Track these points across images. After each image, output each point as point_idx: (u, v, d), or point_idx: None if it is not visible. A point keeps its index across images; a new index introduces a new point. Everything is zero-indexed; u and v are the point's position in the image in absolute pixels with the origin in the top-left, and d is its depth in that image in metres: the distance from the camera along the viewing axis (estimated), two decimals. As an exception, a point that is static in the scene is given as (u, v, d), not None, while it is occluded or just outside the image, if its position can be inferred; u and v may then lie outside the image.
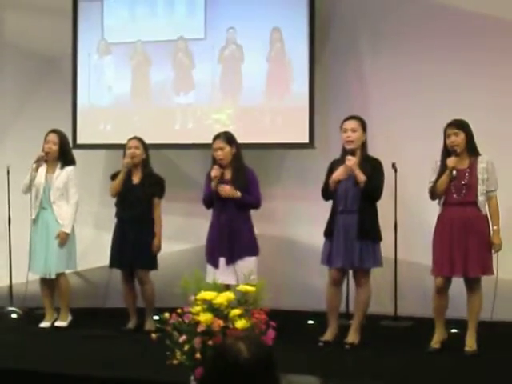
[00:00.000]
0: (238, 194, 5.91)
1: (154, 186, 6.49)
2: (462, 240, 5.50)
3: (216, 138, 6.05)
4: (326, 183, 5.86)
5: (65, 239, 6.53)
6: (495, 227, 5.52)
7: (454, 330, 5.94)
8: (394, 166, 6.44)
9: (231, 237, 5.93)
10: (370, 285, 5.84)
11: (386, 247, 6.46)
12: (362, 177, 5.66)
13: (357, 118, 5.87)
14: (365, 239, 5.71)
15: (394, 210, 6.53)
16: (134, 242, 6.41)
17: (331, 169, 5.89)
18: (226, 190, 5.90)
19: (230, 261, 5.89)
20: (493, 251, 5.54)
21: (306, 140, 6.87)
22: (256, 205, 6.05)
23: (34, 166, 6.56)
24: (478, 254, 5.49)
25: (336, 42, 7.12)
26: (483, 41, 6.55)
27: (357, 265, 5.75)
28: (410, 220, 6.54)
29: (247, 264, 5.81)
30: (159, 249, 6.49)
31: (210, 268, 5.98)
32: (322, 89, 6.95)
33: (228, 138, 6.05)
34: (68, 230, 6.53)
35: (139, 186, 6.48)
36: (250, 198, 5.99)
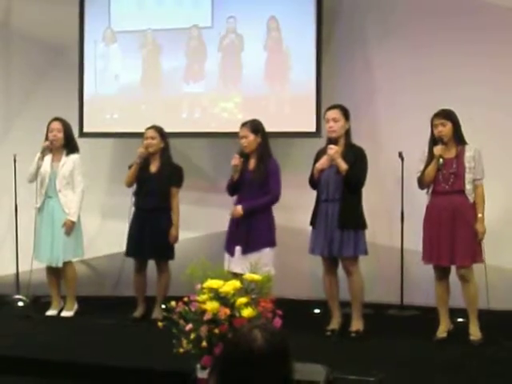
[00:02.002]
0: (240, 211, 5.90)
1: (171, 176, 6.46)
2: (450, 229, 5.54)
3: (242, 126, 6.02)
4: (312, 172, 5.88)
5: (71, 227, 6.53)
6: (480, 215, 5.54)
7: (460, 320, 5.94)
8: (400, 155, 6.45)
9: (249, 226, 5.91)
10: (360, 272, 5.84)
11: (392, 237, 6.47)
12: (343, 165, 5.67)
13: (339, 106, 5.87)
14: (346, 228, 5.71)
15: (401, 199, 6.53)
16: (152, 232, 6.39)
17: (317, 158, 5.91)
18: (235, 212, 5.91)
19: (246, 250, 5.88)
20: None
21: (312, 129, 6.86)
22: (272, 201, 5.96)
23: (40, 155, 6.55)
24: (467, 243, 5.51)
25: (343, 31, 7.10)
26: (489, 34, 6.53)
27: (336, 253, 5.76)
28: (417, 209, 6.50)
29: (263, 255, 5.79)
30: (176, 239, 6.48)
31: (226, 256, 5.98)
32: (328, 78, 6.93)
33: (254, 126, 5.99)
34: (74, 219, 6.53)
35: (156, 175, 6.46)
36: (262, 200, 5.91)
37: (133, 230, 6.51)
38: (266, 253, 5.87)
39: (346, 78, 7.03)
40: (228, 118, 6.99)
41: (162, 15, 7.43)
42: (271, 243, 5.93)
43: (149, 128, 6.54)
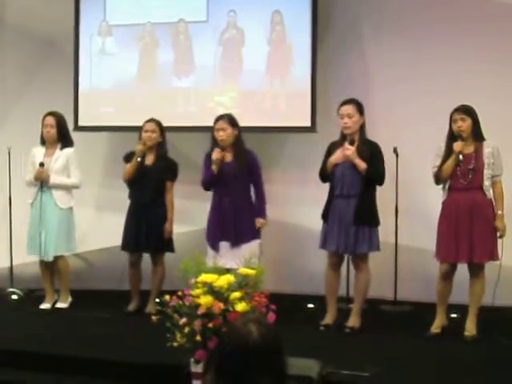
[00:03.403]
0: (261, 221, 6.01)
1: (166, 170, 6.46)
2: (468, 225, 5.48)
3: (219, 118, 6.03)
4: (324, 165, 5.86)
5: (40, 174, 6.47)
6: (500, 212, 5.51)
7: (453, 315, 5.96)
8: (395, 150, 6.44)
9: (235, 220, 5.92)
10: (369, 269, 5.84)
11: (386, 232, 6.46)
12: (362, 165, 5.64)
13: (353, 101, 5.82)
14: (361, 224, 5.70)
15: (395, 195, 6.53)
16: (147, 225, 6.39)
17: (329, 151, 5.88)
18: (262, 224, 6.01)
19: (234, 245, 5.89)
20: (497, 236, 5.52)
21: (308, 124, 6.86)
22: (264, 192, 6.09)
23: (35, 176, 6.52)
24: (485, 239, 5.47)
25: (338, 26, 7.08)
26: (484, 26, 6.52)
27: (351, 249, 5.76)
28: (411, 205, 6.53)
29: (251, 247, 5.82)
30: (171, 233, 6.48)
31: (210, 251, 5.97)
32: (324, 73, 6.92)
33: (231, 119, 6.02)
34: (50, 179, 6.47)
35: (151, 169, 6.45)
36: (263, 203, 6.04)
37: (128, 224, 6.51)
38: (256, 244, 5.89)
39: (340, 73, 7.02)
40: (223, 112, 6.98)
41: (157, 9, 7.40)
42: (258, 234, 5.99)
43: (148, 121, 6.52)
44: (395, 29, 6.85)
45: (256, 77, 7.07)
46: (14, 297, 7.03)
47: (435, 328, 5.67)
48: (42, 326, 6.05)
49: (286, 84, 7.01)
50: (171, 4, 7.36)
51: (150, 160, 6.49)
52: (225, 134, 5.96)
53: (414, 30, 6.76)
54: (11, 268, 7.26)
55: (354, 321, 5.85)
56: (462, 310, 5.74)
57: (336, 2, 7.12)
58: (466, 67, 6.52)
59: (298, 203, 7.07)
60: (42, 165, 6.49)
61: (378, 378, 4.59)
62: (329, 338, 5.62)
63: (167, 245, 6.49)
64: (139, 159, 6.42)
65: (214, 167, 5.92)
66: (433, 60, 6.66)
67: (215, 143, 6.00)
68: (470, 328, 5.57)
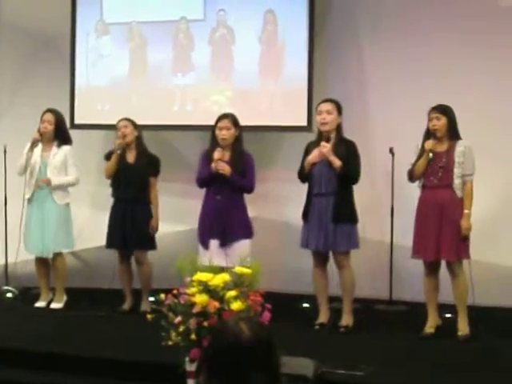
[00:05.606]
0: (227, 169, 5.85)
1: (148, 166, 6.48)
2: (437, 223, 5.54)
3: (223, 117, 6.00)
4: (302, 165, 5.87)
5: (46, 182, 6.51)
6: (466, 211, 5.53)
7: (448, 315, 5.96)
8: (391, 150, 6.44)
9: (225, 219, 5.90)
10: (351, 266, 5.85)
11: (382, 232, 6.47)
12: (337, 162, 5.67)
13: (332, 100, 5.87)
14: (340, 222, 5.72)
15: (391, 194, 6.53)
16: (131, 223, 6.40)
17: (307, 151, 5.90)
18: (226, 169, 5.86)
19: (223, 243, 5.88)
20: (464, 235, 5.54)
21: (304, 123, 6.86)
22: (248, 188, 5.99)
23: (29, 147, 6.53)
24: (452, 238, 5.51)
25: (334, 24, 7.09)
26: (482, 23, 6.52)
27: (331, 247, 5.78)
28: (407, 204, 6.51)
29: (240, 247, 5.81)
30: (156, 229, 6.48)
31: (201, 249, 5.95)
32: (320, 72, 6.92)
33: (234, 119, 6.00)
34: (53, 182, 6.51)
35: (134, 166, 6.46)
36: (243, 181, 5.93)
37: (113, 222, 6.51)
38: (246, 244, 5.89)
39: (337, 72, 7.02)
40: (218, 111, 6.98)
41: (153, 7, 7.40)
42: (249, 234, 5.97)
43: (120, 120, 6.54)
44: (392, 26, 6.86)
45: (250, 76, 7.07)
46: (9, 295, 7.01)
47: (429, 328, 5.68)
48: (36, 324, 6.04)
49: (280, 83, 7.01)
50: (168, 2, 7.36)
51: (131, 157, 6.51)
52: (228, 133, 5.93)
53: (411, 28, 6.77)
54: (6, 266, 7.24)
55: (346, 319, 5.86)
56: (456, 309, 5.74)
57: (332, 1, 7.12)
58: (464, 65, 6.53)
59: (293, 202, 7.05)
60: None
61: (373, 378, 4.60)
62: (324, 337, 5.63)
63: (149, 242, 6.50)
64: (119, 151, 6.42)
65: (213, 166, 5.90)
66: (430, 57, 6.67)
67: (215, 141, 5.97)
68: (462, 327, 5.58)
